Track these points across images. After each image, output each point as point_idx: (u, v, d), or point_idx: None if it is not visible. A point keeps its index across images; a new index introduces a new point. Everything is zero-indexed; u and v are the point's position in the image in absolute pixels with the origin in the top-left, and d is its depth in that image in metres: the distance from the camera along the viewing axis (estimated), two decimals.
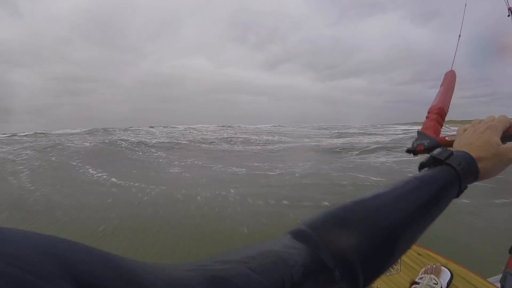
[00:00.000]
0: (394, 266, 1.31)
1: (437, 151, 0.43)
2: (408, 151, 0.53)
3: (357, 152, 9.74)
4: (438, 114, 0.55)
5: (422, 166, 0.44)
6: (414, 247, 1.34)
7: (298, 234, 0.30)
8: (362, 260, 0.29)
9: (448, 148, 0.45)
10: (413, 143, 0.53)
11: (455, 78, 0.61)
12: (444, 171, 0.41)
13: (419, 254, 1.31)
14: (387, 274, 1.30)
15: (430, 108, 0.56)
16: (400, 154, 8.92)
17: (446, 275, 1.17)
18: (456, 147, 0.47)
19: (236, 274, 0.22)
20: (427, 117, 0.55)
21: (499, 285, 0.71)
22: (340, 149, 10.61)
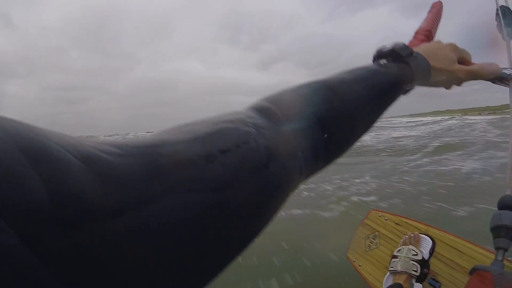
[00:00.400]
0: (373, 240, 1.23)
1: (399, 45, 0.43)
2: None
3: (420, 154, 6.66)
4: (426, 36, 0.53)
5: (380, 55, 0.43)
6: (390, 216, 1.25)
7: (261, 111, 0.27)
8: (325, 139, 0.29)
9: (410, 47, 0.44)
10: None
11: (442, 8, 0.59)
12: (401, 68, 0.41)
13: (396, 223, 1.22)
14: (366, 249, 1.23)
15: (418, 30, 0.54)
16: (485, 154, 6.12)
17: (427, 243, 1.08)
18: (416, 49, 0.47)
19: (188, 162, 0.18)
20: (414, 37, 0.54)
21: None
22: (389, 151, 7.77)
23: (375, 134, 13.94)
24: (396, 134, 13.30)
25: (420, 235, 1.11)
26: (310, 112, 0.28)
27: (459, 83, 0.49)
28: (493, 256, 0.50)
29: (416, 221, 1.18)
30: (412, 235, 1.12)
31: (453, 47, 0.47)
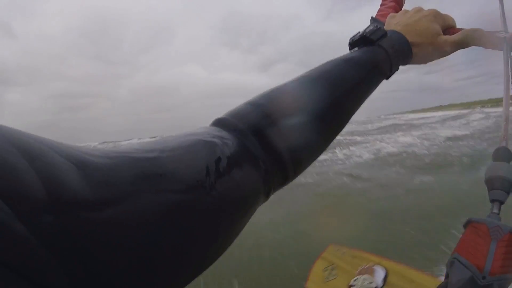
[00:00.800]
0: (331, 272, 1.30)
1: (369, 29, 0.40)
2: None
3: None
4: (396, 2, 0.50)
5: (352, 45, 0.40)
6: (347, 250, 1.33)
7: (222, 124, 0.28)
8: (290, 146, 0.28)
9: (382, 28, 0.41)
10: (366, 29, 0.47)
11: None
12: (374, 53, 0.38)
13: (353, 257, 1.29)
14: (325, 280, 1.29)
15: None
16: None
17: (380, 273, 1.16)
18: (390, 24, 0.44)
19: (160, 163, 0.20)
20: (382, 4, 0.50)
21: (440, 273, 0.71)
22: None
23: (420, 134, 12.62)
24: (443, 133, 11.98)
25: (374, 266, 1.19)
26: (271, 120, 0.28)
27: (446, 55, 0.44)
28: (438, 282, 0.50)
29: (370, 254, 1.28)
30: (366, 266, 1.20)
31: (434, 15, 0.43)
